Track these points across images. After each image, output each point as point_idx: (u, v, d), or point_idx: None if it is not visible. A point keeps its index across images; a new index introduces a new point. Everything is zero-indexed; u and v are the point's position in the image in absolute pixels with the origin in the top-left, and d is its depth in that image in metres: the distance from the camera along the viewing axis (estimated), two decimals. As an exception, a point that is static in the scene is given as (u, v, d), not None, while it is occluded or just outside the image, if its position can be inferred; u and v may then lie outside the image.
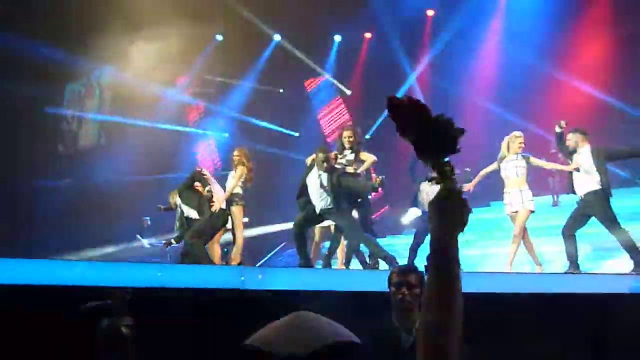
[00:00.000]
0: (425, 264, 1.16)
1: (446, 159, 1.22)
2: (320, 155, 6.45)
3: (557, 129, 6.53)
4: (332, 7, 11.95)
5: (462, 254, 1.19)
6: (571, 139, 6.41)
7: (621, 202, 7.76)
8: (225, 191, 7.31)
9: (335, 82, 14.25)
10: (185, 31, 11.11)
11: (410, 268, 3.47)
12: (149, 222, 10.64)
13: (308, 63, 13.61)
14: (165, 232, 9.10)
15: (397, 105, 1.22)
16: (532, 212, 6.67)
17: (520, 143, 6.76)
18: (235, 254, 7.22)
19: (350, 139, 6.87)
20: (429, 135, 1.20)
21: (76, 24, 10.75)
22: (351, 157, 6.87)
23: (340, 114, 14.53)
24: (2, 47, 9.92)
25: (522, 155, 6.78)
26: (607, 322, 4.79)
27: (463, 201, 1.19)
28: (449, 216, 1.17)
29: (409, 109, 1.21)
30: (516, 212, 6.66)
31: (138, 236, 10.25)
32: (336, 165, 6.58)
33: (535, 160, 6.86)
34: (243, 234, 7.48)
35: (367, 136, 8.47)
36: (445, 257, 1.13)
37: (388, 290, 3.23)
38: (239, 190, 7.32)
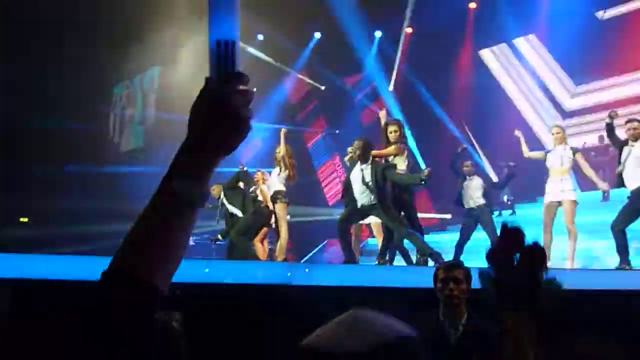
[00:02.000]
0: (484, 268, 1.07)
1: None
2: (355, 143, 6.42)
3: (608, 120, 6.37)
4: (372, 3, 11.91)
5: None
6: (629, 128, 6.23)
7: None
8: (270, 189, 7.40)
9: (307, 79, 14.09)
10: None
11: (456, 264, 3.45)
12: None
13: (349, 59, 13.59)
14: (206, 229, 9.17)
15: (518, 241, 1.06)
16: (577, 203, 6.56)
17: (555, 133, 6.84)
18: (280, 250, 7.30)
19: (396, 133, 6.79)
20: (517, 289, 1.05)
21: (124, 25, 11.03)
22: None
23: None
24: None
25: (571, 148, 6.80)
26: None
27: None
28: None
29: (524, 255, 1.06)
30: (557, 201, 6.59)
31: None
32: (377, 159, 6.52)
33: (580, 158, 6.74)
34: (286, 230, 7.53)
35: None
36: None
37: (433, 286, 3.23)
38: (282, 187, 7.38)
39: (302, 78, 14.47)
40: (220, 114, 0.83)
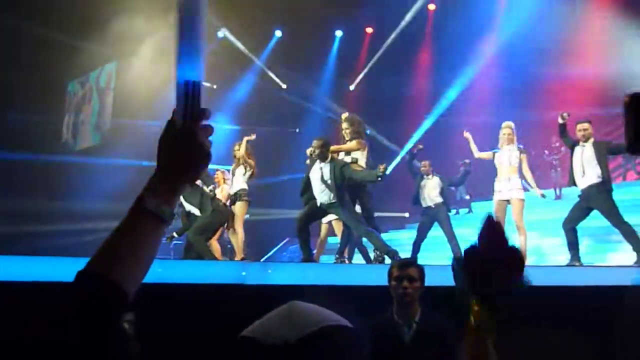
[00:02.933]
0: (452, 263, 1.09)
1: None
2: (314, 142, 6.44)
3: (560, 120, 6.55)
4: (332, 2, 11.94)
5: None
6: (579, 129, 6.41)
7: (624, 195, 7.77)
8: (232, 187, 7.35)
9: (272, 75, 14.14)
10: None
11: (410, 262, 3.49)
12: None
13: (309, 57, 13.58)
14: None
15: (499, 238, 1.08)
16: (523, 200, 6.74)
17: (504, 134, 6.93)
18: (238, 249, 7.24)
19: (347, 130, 6.87)
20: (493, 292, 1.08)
21: (81, 14, 10.71)
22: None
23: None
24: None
25: (518, 147, 6.90)
26: (610, 314, 4.79)
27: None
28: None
29: (505, 257, 1.09)
30: (506, 200, 6.75)
31: None
32: (336, 157, 6.54)
33: (523, 159, 6.89)
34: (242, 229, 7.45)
35: (368, 131, 8.44)
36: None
37: (388, 284, 3.25)
38: (244, 185, 7.32)
39: (263, 76, 14.38)
40: (185, 147, 0.96)
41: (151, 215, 0.94)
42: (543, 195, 7.07)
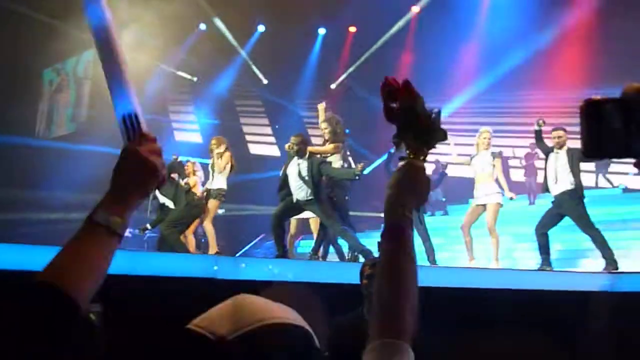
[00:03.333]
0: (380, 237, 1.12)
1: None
2: (292, 139, 6.41)
3: (536, 127, 6.62)
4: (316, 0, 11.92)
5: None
6: (554, 137, 6.49)
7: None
8: (208, 180, 7.27)
9: (255, 69, 14.12)
10: (170, 19, 10.99)
11: None
12: None
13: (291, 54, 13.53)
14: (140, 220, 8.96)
15: (392, 85, 1.19)
16: (501, 205, 6.79)
17: (485, 139, 6.95)
18: (211, 244, 7.16)
19: (326, 130, 6.87)
20: (410, 113, 1.17)
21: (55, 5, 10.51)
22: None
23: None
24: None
25: (492, 153, 6.93)
26: (578, 319, 4.86)
27: (426, 176, 1.16)
28: (413, 188, 1.14)
29: (405, 93, 1.18)
30: (482, 205, 6.81)
31: None
32: (316, 155, 6.53)
33: (497, 163, 6.95)
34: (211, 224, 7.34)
35: (347, 130, 8.46)
36: (403, 227, 1.10)
37: (359, 282, 3.25)
38: (223, 184, 7.19)
39: (243, 71, 14.30)
40: (131, 165, 1.06)
41: (101, 227, 0.99)
42: (512, 198, 7.12)
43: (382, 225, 1.13)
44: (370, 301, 3.12)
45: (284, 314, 0.86)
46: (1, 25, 10.10)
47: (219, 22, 12.50)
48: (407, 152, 1.18)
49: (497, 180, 6.91)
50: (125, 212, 1.03)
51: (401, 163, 1.16)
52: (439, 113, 1.19)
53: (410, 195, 1.13)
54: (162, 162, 1.10)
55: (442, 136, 1.19)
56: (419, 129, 1.17)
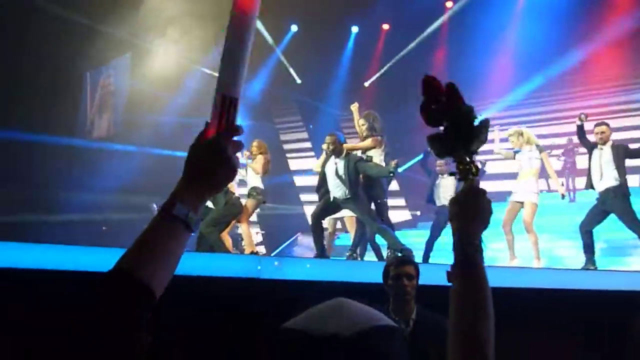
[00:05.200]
0: (449, 269, 1.13)
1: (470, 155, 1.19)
2: (327, 138, 6.43)
3: (578, 122, 6.49)
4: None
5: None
6: (597, 132, 6.34)
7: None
8: (246, 183, 7.35)
9: (290, 68, 14.12)
10: (206, 19, 11.11)
11: (407, 260, 3.51)
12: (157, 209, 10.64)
13: (324, 53, 13.53)
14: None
15: (435, 86, 1.18)
16: (536, 204, 6.69)
17: (519, 136, 6.88)
18: (247, 244, 7.23)
19: (363, 126, 6.87)
20: (460, 126, 1.16)
21: (97, 9, 10.76)
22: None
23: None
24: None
25: (537, 146, 6.83)
26: (625, 319, 4.74)
27: (487, 199, 1.16)
28: (473, 214, 1.14)
29: (448, 95, 1.17)
30: (520, 202, 6.72)
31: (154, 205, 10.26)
32: (353, 152, 6.52)
33: (545, 157, 6.84)
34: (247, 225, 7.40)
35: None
36: (472, 257, 1.11)
37: (383, 282, 3.26)
38: (259, 183, 7.27)
39: (277, 70, 14.38)
40: (216, 160, 1.00)
41: (179, 222, 0.97)
42: (563, 196, 7.00)
43: (453, 257, 1.13)
44: (396, 300, 3.13)
45: (384, 317, 0.88)
46: (42, 26, 10.37)
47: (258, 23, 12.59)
48: (459, 166, 1.17)
49: (547, 174, 6.80)
50: (199, 205, 1.01)
51: (449, 179, 1.15)
52: (486, 122, 1.18)
53: (477, 223, 1.14)
54: (239, 160, 1.06)
55: (483, 143, 1.19)
56: (466, 135, 1.17)
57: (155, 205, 10.38)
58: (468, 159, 1.17)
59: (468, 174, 1.17)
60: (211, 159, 1.01)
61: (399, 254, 5.97)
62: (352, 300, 0.88)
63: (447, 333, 1.07)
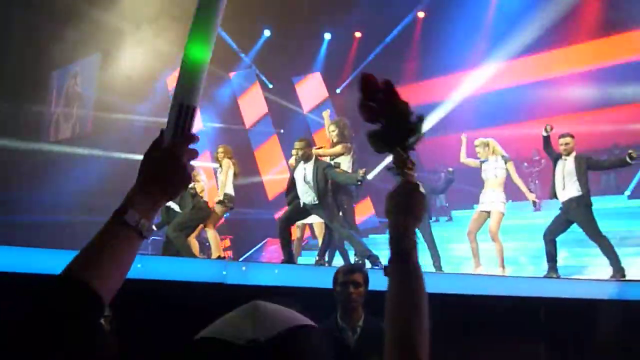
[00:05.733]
0: (386, 264, 1.13)
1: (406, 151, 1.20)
2: (296, 144, 6.44)
3: (544, 133, 6.61)
4: (323, 5, 11.93)
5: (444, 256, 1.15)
6: (561, 143, 6.49)
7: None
8: (220, 189, 7.26)
9: (259, 74, 14.17)
10: (177, 27, 11.03)
11: (355, 267, 3.53)
12: None
13: (297, 59, 13.56)
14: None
15: (372, 83, 1.18)
16: (502, 214, 6.82)
17: (484, 147, 7.01)
18: (214, 249, 7.16)
19: (333, 132, 6.90)
20: (397, 122, 1.17)
21: (64, 7, 10.56)
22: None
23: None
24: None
25: (503, 156, 6.96)
26: (584, 327, 4.84)
27: (421, 193, 1.18)
28: (407, 209, 1.15)
29: (385, 92, 1.17)
30: (487, 211, 6.84)
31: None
32: (322, 158, 6.54)
33: (510, 167, 6.97)
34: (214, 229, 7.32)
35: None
36: (406, 251, 1.12)
37: (333, 289, 3.28)
38: (230, 190, 7.18)
39: (249, 75, 14.35)
40: (170, 168, 1.00)
41: (131, 228, 0.96)
42: (534, 203, 7.11)
43: (389, 250, 1.14)
44: (343, 308, 3.15)
45: (302, 317, 0.87)
46: (7, 28, 10.15)
47: (223, 26, 12.53)
48: (395, 161, 1.18)
49: (514, 183, 6.93)
50: (152, 214, 1.00)
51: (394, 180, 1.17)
52: (422, 117, 1.19)
53: (412, 216, 1.15)
54: (193, 167, 1.05)
55: (419, 139, 1.20)
56: (403, 131, 1.18)
57: None
58: (404, 154, 1.18)
59: (404, 168, 1.18)
60: (166, 167, 1.00)
61: (367, 260, 6.01)
62: (267, 302, 0.87)
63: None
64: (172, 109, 1.01)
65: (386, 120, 1.17)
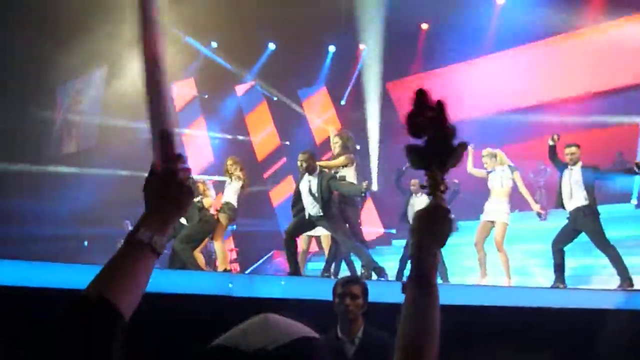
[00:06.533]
0: (405, 280, 1.16)
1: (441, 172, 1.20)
2: (300, 156, 6.46)
3: (550, 142, 6.61)
4: (327, 18, 12.02)
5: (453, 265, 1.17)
6: (567, 153, 6.48)
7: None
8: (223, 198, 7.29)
9: (262, 86, 14.24)
10: (181, 38, 11.15)
11: (353, 279, 3.54)
12: (130, 227, 10.60)
13: (301, 72, 13.64)
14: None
15: (425, 99, 1.19)
16: (507, 224, 6.82)
17: (491, 157, 7.06)
18: (220, 261, 7.16)
19: (337, 144, 6.92)
20: (440, 143, 1.18)
21: (67, 21, 10.66)
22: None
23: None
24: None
25: (509, 166, 6.93)
26: (593, 337, 4.81)
27: (449, 218, 1.19)
28: (433, 231, 1.17)
29: (435, 110, 1.18)
30: (491, 221, 6.83)
31: (128, 224, 10.16)
32: (325, 170, 6.55)
33: (517, 177, 6.97)
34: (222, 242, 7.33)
35: (358, 146, 8.53)
36: (427, 271, 1.15)
37: (332, 301, 3.29)
38: (233, 200, 7.20)
39: (254, 87, 14.44)
40: (170, 187, 1.08)
41: (144, 246, 1.04)
42: (539, 214, 7.07)
43: (410, 268, 1.16)
44: (342, 319, 3.16)
45: (308, 329, 0.92)
46: (9, 44, 10.25)
47: (230, 40, 12.61)
48: (430, 181, 1.19)
49: (510, 197, 6.91)
50: (165, 231, 1.07)
51: (420, 197, 1.18)
52: (465, 144, 1.20)
53: (436, 239, 1.17)
54: (193, 181, 1.12)
55: (457, 164, 1.21)
56: (445, 153, 1.19)
57: (127, 222, 10.30)
58: (440, 176, 1.19)
59: (437, 190, 1.19)
60: (167, 188, 1.08)
61: (373, 272, 6.01)
62: (278, 315, 0.92)
63: (391, 352, 1.10)
64: (154, 139, 1.09)
65: (430, 138, 1.18)
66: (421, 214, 1.19)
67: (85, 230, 10.70)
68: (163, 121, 1.11)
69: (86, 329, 0.92)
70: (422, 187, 1.21)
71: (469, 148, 7.45)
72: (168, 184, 1.09)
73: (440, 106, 1.18)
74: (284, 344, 0.85)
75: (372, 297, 3.34)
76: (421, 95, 1.19)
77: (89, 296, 0.96)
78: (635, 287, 5.85)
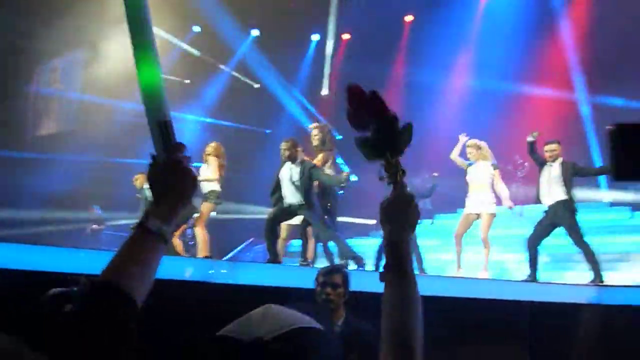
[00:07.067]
0: (381, 269, 1.18)
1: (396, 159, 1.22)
2: (282, 144, 6.45)
3: (530, 139, 6.67)
4: (311, 6, 11.96)
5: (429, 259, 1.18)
6: (547, 150, 6.55)
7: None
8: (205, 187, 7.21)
9: (240, 76, 14.19)
10: (163, 22, 10.99)
11: (335, 269, 3.58)
12: (98, 211, 10.54)
13: (284, 60, 13.56)
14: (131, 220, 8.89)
15: (358, 93, 1.21)
16: (494, 215, 6.86)
17: (477, 150, 7.06)
18: (201, 248, 7.11)
19: (316, 137, 6.93)
20: (385, 132, 1.20)
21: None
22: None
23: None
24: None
25: (492, 164, 7.00)
26: (565, 331, 4.91)
27: (415, 204, 1.22)
28: (401, 219, 1.20)
29: (370, 102, 1.20)
30: (476, 214, 6.87)
31: (96, 209, 10.10)
32: (306, 159, 6.56)
33: (496, 174, 7.03)
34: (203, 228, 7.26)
35: (339, 136, 8.55)
36: (402, 259, 1.17)
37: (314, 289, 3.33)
38: (217, 187, 7.13)
39: (236, 75, 14.32)
40: (176, 175, 1.10)
41: (154, 235, 1.06)
42: (511, 207, 7.15)
43: (384, 257, 1.18)
44: (330, 309, 3.19)
45: (309, 319, 0.95)
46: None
47: (212, 26, 12.48)
48: (387, 170, 1.21)
49: (494, 190, 6.96)
50: (172, 220, 1.10)
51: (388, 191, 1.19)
52: (410, 125, 1.23)
53: (405, 226, 1.20)
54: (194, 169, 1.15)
55: (408, 142, 1.23)
56: (392, 139, 1.21)
57: (96, 207, 10.23)
58: (394, 161, 1.21)
59: (396, 177, 1.20)
60: (172, 175, 1.11)
61: (351, 261, 6.04)
62: (280, 306, 0.95)
63: (371, 340, 1.13)
64: (152, 130, 1.11)
65: (374, 128, 1.19)
66: (386, 204, 1.21)
67: (56, 214, 10.53)
68: (160, 112, 1.12)
69: (103, 316, 0.95)
70: (381, 178, 1.22)
71: (460, 137, 7.42)
72: (174, 173, 1.11)
73: (374, 96, 1.20)
74: (280, 334, 0.87)
75: (354, 286, 3.38)
76: (353, 90, 1.21)
77: (102, 283, 0.98)
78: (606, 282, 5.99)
